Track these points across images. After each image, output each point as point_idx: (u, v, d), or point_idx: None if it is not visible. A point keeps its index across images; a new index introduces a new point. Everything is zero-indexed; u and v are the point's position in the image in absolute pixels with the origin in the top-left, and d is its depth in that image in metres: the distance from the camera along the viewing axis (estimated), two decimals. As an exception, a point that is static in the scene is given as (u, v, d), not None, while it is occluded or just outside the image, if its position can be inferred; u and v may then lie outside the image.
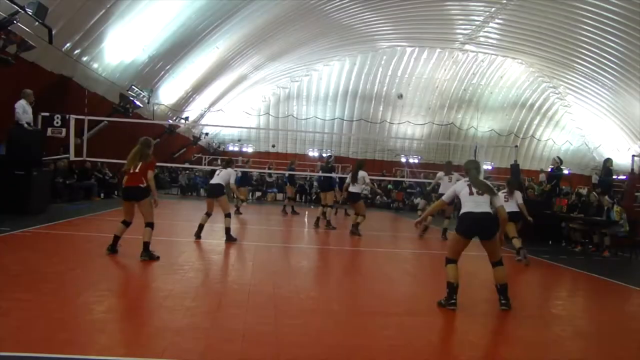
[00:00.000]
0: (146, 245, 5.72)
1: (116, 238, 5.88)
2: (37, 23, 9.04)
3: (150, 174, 5.83)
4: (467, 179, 4.76)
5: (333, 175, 11.59)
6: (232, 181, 7.85)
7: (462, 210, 4.60)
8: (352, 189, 9.51)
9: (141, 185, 5.72)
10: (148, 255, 5.67)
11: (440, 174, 10.13)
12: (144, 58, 14.74)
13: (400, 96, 14.76)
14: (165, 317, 3.68)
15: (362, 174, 9.51)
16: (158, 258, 5.76)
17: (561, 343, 3.85)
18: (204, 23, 15.24)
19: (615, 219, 9.15)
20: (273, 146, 30.09)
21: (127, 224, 5.90)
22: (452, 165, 10.54)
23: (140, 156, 5.81)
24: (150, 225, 5.75)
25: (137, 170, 5.75)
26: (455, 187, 4.88)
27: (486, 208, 4.56)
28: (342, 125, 30.89)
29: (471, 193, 4.58)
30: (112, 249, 5.86)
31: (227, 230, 7.59)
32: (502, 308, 4.50)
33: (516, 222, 7.83)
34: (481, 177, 5.01)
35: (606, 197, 9.94)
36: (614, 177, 13.68)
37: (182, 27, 14.67)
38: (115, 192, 14.88)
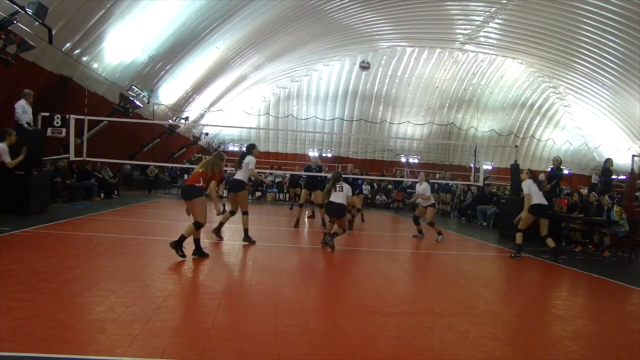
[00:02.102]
0: (197, 241, 6.02)
1: (196, 241, 6.07)
2: (37, 23, 9.05)
3: (212, 184, 6.13)
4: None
5: (322, 174, 11.44)
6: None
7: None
8: (237, 176, 7.85)
9: (196, 185, 5.99)
10: (199, 252, 6.04)
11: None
12: (144, 58, 14.75)
13: (366, 65, 14.10)
14: (165, 317, 3.68)
15: (248, 159, 7.78)
16: (203, 255, 6.06)
17: (561, 343, 3.85)
18: (204, 23, 15.24)
19: (615, 219, 9.15)
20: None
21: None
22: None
23: (212, 164, 6.19)
24: (196, 225, 5.92)
25: (200, 171, 6.09)
26: None
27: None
28: (342, 125, 30.91)
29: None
30: (199, 251, 6.09)
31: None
32: None
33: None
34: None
35: (606, 197, 9.94)
36: (614, 177, 13.69)
37: (182, 27, 14.68)
38: (115, 192, 14.88)
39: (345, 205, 7.63)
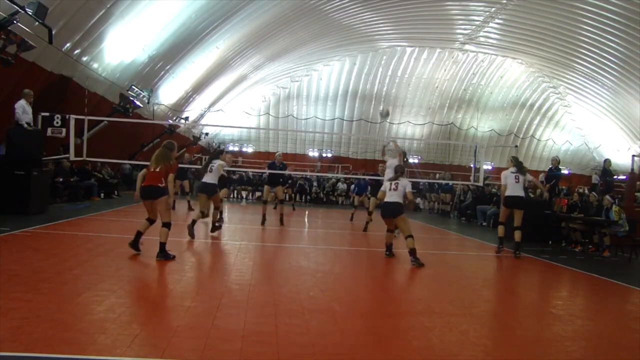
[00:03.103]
0: (162, 245, 5.78)
1: (139, 234, 5.99)
2: (37, 23, 9.04)
3: (170, 177, 5.98)
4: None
5: (286, 172, 11.36)
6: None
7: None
8: (207, 179, 8.01)
9: (160, 185, 5.87)
10: (163, 256, 5.74)
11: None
12: (144, 58, 14.74)
13: (386, 114, 13.88)
14: (165, 317, 3.68)
15: (217, 164, 8.02)
16: (174, 258, 5.82)
17: (561, 343, 3.85)
18: (204, 23, 15.24)
19: (614, 219, 9.15)
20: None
21: (151, 221, 6.01)
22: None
23: (163, 158, 5.97)
24: (166, 225, 5.83)
25: (157, 170, 5.91)
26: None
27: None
28: (342, 125, 30.91)
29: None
30: (134, 245, 5.97)
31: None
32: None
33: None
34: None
35: (607, 196, 9.94)
36: (615, 177, 13.70)
37: (182, 27, 14.67)
38: (115, 192, 14.88)
39: (401, 204, 6.92)
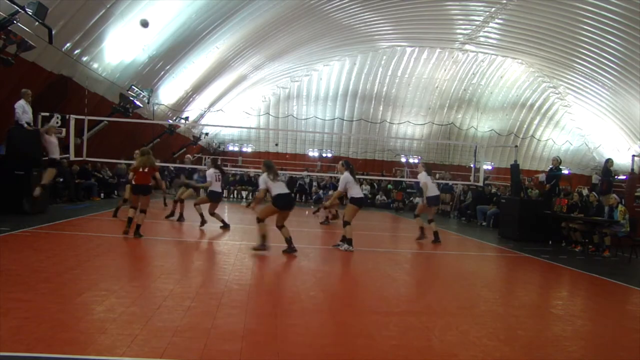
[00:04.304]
0: (139, 227, 7.35)
1: (130, 220, 7.44)
2: (37, 23, 9.04)
3: (157, 175, 7.93)
4: None
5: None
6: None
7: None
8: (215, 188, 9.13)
9: (149, 184, 7.63)
10: (139, 234, 7.25)
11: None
12: (144, 58, 14.74)
13: (145, 24, 13.22)
14: (165, 317, 3.68)
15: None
16: (141, 236, 7.26)
17: (561, 343, 3.85)
18: (204, 23, 15.23)
19: (617, 219, 9.15)
20: (276, 144, 30.14)
21: (135, 208, 7.57)
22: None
23: (148, 161, 7.58)
24: (144, 212, 7.55)
25: (146, 171, 7.51)
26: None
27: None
28: (342, 125, 30.90)
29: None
30: (128, 231, 7.30)
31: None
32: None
33: None
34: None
35: (614, 195, 9.94)
36: (615, 177, 13.70)
37: (182, 27, 14.67)
38: (115, 192, 14.88)
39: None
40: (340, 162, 8.15)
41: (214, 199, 9.16)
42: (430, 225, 9.38)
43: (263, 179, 6.92)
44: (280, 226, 7.02)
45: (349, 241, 7.55)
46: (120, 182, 11.35)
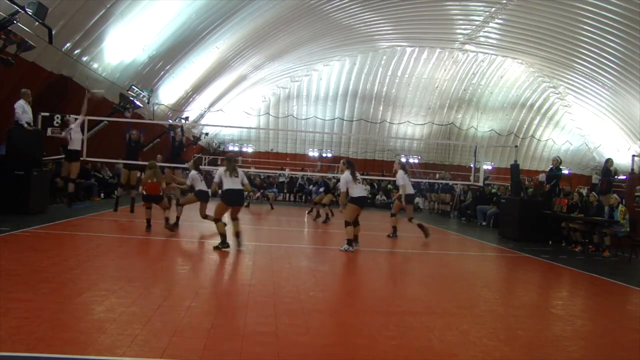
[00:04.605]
0: (167, 219, 8.27)
1: (149, 221, 8.15)
2: (37, 23, 9.04)
3: (163, 184, 8.62)
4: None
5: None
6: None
7: None
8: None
9: (159, 194, 8.36)
10: (170, 226, 8.26)
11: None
12: (144, 58, 14.73)
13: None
14: (165, 317, 3.68)
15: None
16: (172, 226, 8.34)
17: (561, 343, 3.85)
18: (204, 23, 15.23)
19: (617, 219, 9.15)
20: (271, 149, 30.29)
21: (150, 208, 8.25)
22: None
23: (155, 174, 8.29)
24: (167, 208, 8.46)
25: (154, 181, 8.22)
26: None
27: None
28: (342, 125, 30.89)
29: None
30: (150, 227, 8.09)
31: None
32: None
33: None
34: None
35: (614, 195, 9.93)
36: (615, 177, 13.70)
37: (182, 27, 14.66)
38: (115, 192, 14.87)
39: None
40: (342, 161, 8.10)
41: (203, 198, 8.76)
42: (412, 222, 9.70)
43: (218, 173, 6.93)
44: (234, 218, 6.98)
45: (348, 241, 7.53)
46: (120, 182, 11.33)
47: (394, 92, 30.08)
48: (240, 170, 6.96)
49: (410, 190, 9.63)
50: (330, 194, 12.06)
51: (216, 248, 6.79)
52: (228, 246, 6.79)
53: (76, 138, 9.71)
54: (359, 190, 7.74)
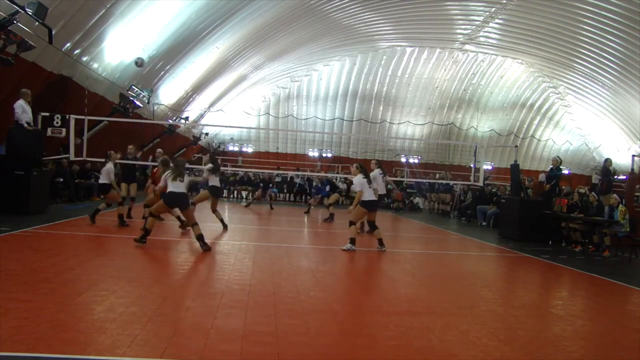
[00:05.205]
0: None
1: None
2: (37, 23, 9.04)
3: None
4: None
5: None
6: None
7: None
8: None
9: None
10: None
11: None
12: (144, 58, 14.73)
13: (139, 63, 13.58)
14: (165, 317, 3.68)
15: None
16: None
17: (561, 343, 3.85)
18: (204, 23, 15.22)
19: (617, 219, 9.15)
20: (277, 149, 30.27)
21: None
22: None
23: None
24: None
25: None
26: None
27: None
28: (342, 125, 30.89)
29: None
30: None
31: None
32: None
33: None
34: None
35: (614, 195, 9.93)
36: (615, 177, 13.70)
37: (182, 27, 14.66)
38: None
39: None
40: (355, 165, 8.25)
41: (215, 193, 9.43)
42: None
43: (164, 177, 7.13)
44: (194, 223, 7.03)
45: (351, 240, 7.61)
46: (116, 197, 11.44)
47: (394, 92, 30.07)
48: (187, 177, 7.11)
49: (367, 196, 7.94)
50: (337, 194, 12.10)
51: (136, 240, 6.68)
52: (144, 242, 6.68)
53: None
54: (370, 194, 7.84)
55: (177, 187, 6.95)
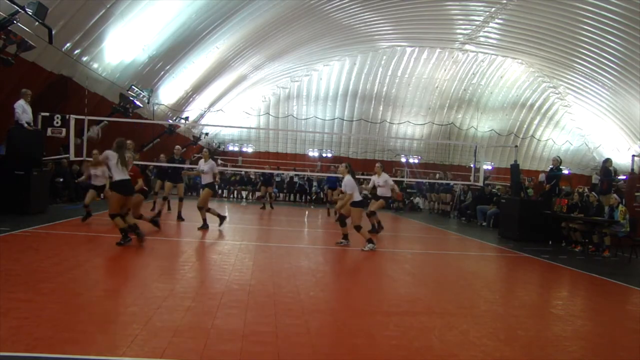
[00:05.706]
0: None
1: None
2: (37, 23, 9.04)
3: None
4: None
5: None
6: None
7: None
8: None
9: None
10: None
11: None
12: (144, 58, 14.73)
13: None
14: (165, 317, 3.68)
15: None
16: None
17: (561, 343, 3.85)
18: (204, 23, 15.22)
19: (617, 219, 9.15)
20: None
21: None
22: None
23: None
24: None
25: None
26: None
27: None
28: (342, 125, 30.89)
29: None
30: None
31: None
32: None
33: None
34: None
35: (614, 195, 9.93)
36: (616, 177, 13.69)
37: (182, 27, 14.65)
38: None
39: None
40: (344, 165, 8.26)
41: (213, 188, 9.50)
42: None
43: (111, 163, 6.60)
44: (128, 210, 6.88)
45: (369, 240, 7.77)
46: (155, 191, 11.55)
47: (394, 92, 30.06)
48: (210, 162, 7.00)
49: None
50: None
51: (119, 244, 6.47)
52: (130, 241, 6.56)
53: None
54: (358, 194, 8.03)
55: (121, 174, 6.51)
